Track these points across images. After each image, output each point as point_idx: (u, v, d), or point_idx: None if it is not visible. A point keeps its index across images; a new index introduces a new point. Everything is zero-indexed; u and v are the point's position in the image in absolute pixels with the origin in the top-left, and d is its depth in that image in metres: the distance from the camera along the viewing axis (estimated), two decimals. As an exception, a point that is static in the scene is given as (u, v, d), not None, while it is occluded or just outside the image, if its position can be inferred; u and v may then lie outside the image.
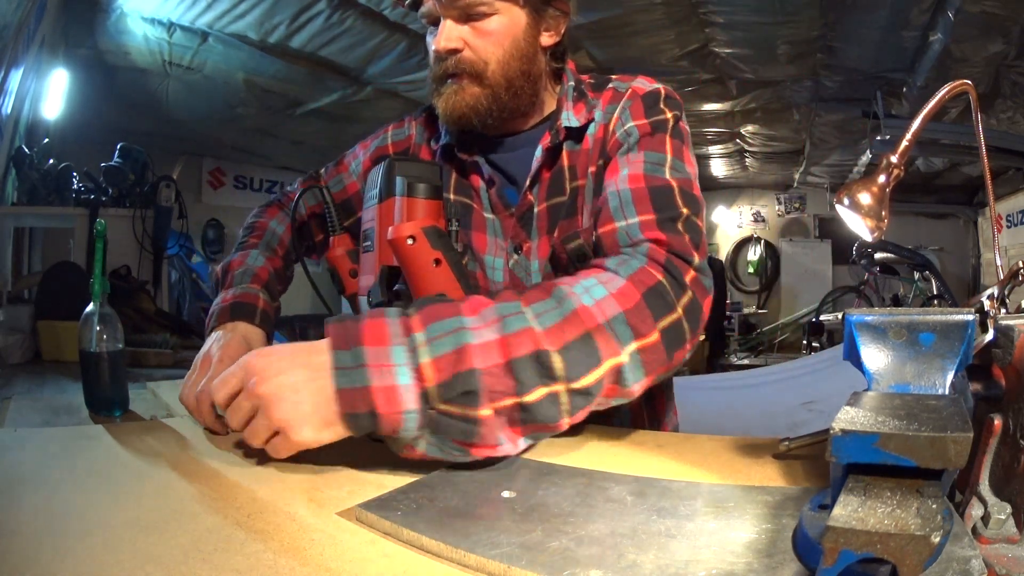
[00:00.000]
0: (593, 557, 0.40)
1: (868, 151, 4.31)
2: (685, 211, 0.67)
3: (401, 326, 0.51)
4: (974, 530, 0.36)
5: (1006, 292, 0.44)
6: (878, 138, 3.54)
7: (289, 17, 2.71)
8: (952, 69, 2.86)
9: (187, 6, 2.61)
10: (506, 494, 0.51)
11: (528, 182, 0.81)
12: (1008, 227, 5.22)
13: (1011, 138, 3.59)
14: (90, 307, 0.87)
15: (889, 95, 3.49)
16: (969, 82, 0.59)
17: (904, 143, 0.61)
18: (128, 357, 0.99)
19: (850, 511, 0.30)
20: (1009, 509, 0.36)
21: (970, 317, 0.40)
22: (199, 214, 4.62)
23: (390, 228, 0.66)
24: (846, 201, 0.63)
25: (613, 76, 0.85)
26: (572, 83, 0.84)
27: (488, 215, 0.85)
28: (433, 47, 0.76)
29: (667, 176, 0.70)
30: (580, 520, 0.45)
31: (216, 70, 3.17)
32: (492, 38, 0.76)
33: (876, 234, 0.64)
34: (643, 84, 0.81)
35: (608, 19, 2.79)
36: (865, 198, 0.62)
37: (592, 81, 0.85)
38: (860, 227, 0.64)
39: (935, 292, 4.78)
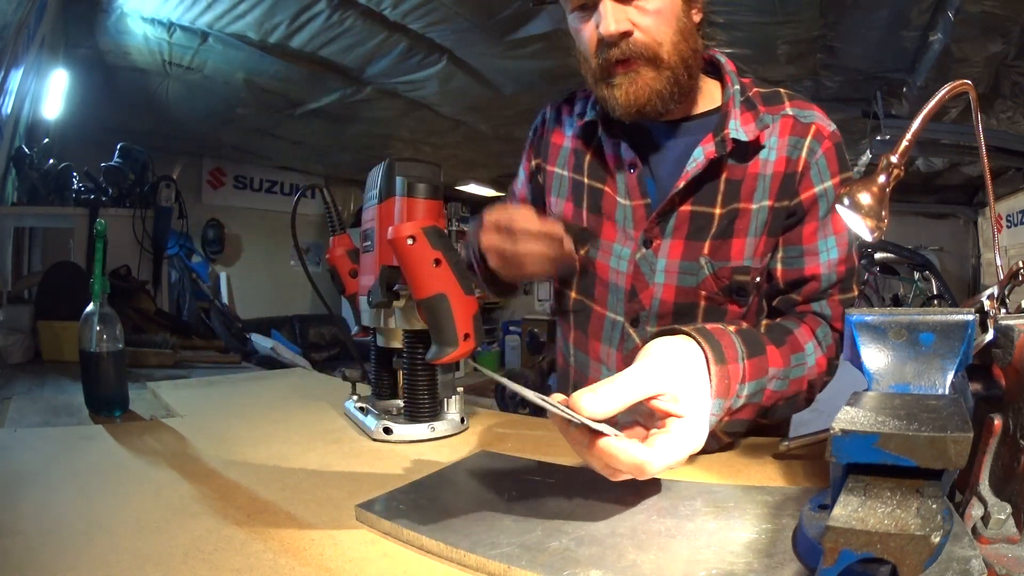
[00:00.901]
0: (593, 557, 0.40)
1: (868, 151, 4.30)
2: (855, 293, 0.78)
3: (740, 377, 0.60)
4: (974, 530, 0.36)
5: (1006, 292, 0.44)
6: (878, 138, 3.53)
7: (289, 17, 2.70)
8: (952, 69, 2.86)
9: (187, 6, 2.60)
10: (506, 494, 0.51)
11: (683, 185, 0.76)
12: (1008, 227, 5.21)
13: (1011, 138, 3.58)
14: (90, 307, 0.87)
15: (889, 95, 3.48)
16: (969, 82, 0.59)
17: (904, 143, 0.61)
18: (128, 357, 0.99)
19: (850, 511, 0.30)
20: (1009, 509, 0.36)
21: (970, 317, 0.40)
22: (199, 214, 4.61)
23: (390, 228, 0.66)
24: (846, 201, 0.63)
25: (782, 90, 0.80)
26: (738, 87, 0.78)
27: (622, 200, 0.81)
28: (600, 32, 0.70)
29: (855, 255, 0.78)
30: (580, 520, 0.45)
31: (216, 70, 3.16)
32: (660, 17, 0.71)
33: (876, 234, 0.63)
34: (823, 121, 0.78)
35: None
36: (865, 198, 0.62)
37: (761, 91, 0.80)
38: (860, 227, 0.64)
39: (935, 292, 4.77)
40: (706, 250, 0.77)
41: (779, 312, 0.81)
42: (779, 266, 0.79)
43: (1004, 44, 2.72)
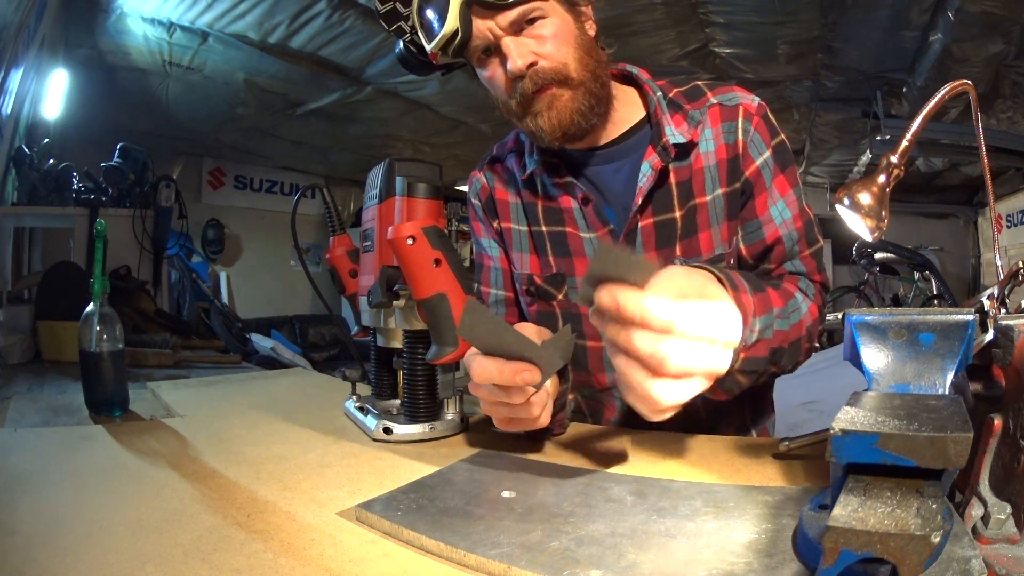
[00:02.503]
0: (593, 557, 0.40)
1: (868, 151, 4.30)
2: (820, 243, 0.82)
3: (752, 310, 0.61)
4: (974, 530, 0.36)
5: (1006, 292, 0.44)
6: (878, 138, 3.53)
7: (289, 17, 2.71)
8: (952, 69, 2.86)
9: (187, 6, 2.60)
10: (506, 494, 0.51)
11: (640, 201, 0.78)
12: (1008, 227, 5.21)
13: (1011, 138, 3.59)
14: (90, 307, 0.87)
15: (889, 95, 3.48)
16: (969, 82, 0.59)
17: (904, 143, 0.61)
18: (128, 357, 0.99)
19: (850, 511, 0.30)
20: (1009, 509, 0.36)
21: (970, 317, 0.40)
22: (199, 214, 4.61)
23: (390, 228, 0.66)
24: (846, 201, 0.63)
25: (699, 83, 0.83)
26: (659, 93, 0.82)
27: (585, 234, 0.83)
28: (509, 69, 0.72)
29: (806, 207, 0.82)
30: (580, 520, 0.45)
31: (216, 70, 3.16)
32: (558, 39, 0.73)
33: (876, 234, 0.64)
34: (746, 99, 0.80)
35: (608, 19, 2.79)
36: (865, 198, 0.62)
37: (681, 90, 0.83)
38: (860, 227, 0.64)
39: (935, 292, 4.77)
40: (678, 252, 0.80)
41: None
42: (743, 244, 0.81)
43: (1004, 44, 2.72)
